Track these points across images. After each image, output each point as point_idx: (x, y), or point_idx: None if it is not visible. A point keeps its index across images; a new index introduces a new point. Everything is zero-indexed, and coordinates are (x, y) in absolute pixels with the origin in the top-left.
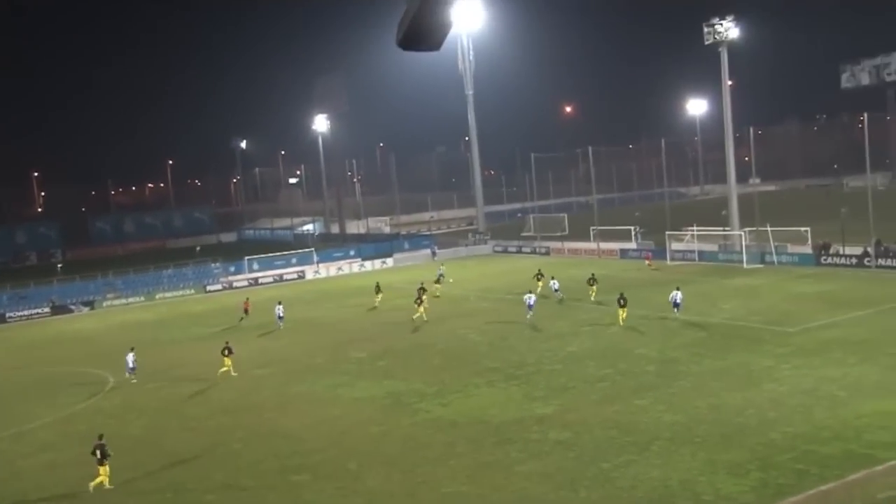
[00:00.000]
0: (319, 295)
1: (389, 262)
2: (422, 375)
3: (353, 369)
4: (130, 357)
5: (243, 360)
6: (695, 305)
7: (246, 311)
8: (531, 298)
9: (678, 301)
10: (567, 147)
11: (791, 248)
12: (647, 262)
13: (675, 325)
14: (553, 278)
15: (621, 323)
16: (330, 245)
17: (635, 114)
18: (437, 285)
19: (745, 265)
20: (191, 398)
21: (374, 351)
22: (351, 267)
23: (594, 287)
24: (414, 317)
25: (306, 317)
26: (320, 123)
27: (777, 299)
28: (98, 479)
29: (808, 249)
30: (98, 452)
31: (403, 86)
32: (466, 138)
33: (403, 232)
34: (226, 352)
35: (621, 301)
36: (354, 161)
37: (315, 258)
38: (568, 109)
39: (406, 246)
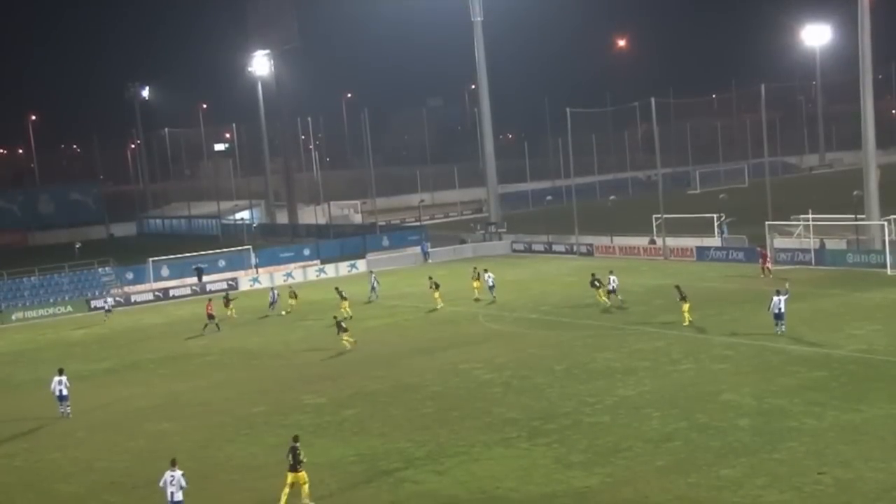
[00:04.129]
0: (258, 314)
1: (360, 265)
2: (407, 431)
3: (309, 422)
4: (61, 381)
5: (140, 409)
6: (810, 330)
7: (210, 316)
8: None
9: (782, 308)
10: (619, 99)
11: None
12: (766, 266)
13: (779, 358)
14: (611, 273)
15: (686, 322)
16: (274, 241)
17: (721, 49)
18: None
19: (888, 270)
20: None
21: (339, 395)
22: (305, 273)
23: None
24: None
25: (237, 345)
26: (260, 65)
27: None
28: (289, 487)
29: None
30: (290, 457)
31: (381, 11)
32: (473, 87)
33: (382, 223)
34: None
35: (680, 294)
36: (310, 120)
37: (253, 260)
38: (621, 44)
39: (385, 242)
